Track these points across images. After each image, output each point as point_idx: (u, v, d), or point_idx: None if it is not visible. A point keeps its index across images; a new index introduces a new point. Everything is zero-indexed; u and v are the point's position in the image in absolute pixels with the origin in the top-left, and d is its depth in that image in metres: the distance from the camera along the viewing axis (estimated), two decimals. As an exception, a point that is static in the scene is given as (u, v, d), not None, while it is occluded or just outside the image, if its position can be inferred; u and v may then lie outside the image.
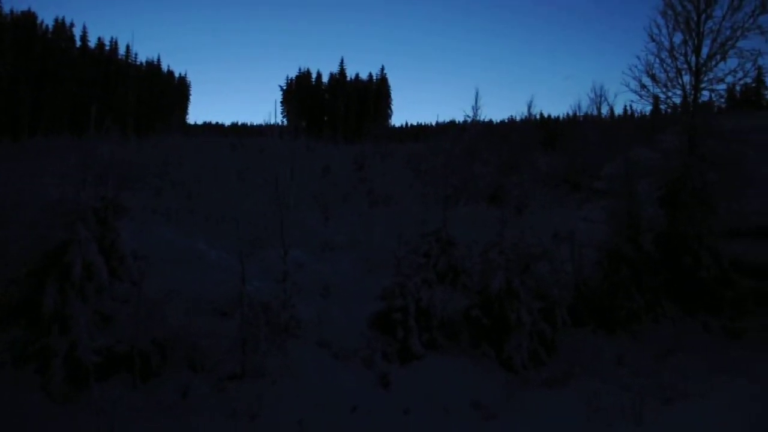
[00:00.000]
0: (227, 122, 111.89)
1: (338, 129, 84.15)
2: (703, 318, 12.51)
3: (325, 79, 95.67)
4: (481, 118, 32.64)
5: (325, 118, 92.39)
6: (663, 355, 10.75)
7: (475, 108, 30.31)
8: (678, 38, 14.08)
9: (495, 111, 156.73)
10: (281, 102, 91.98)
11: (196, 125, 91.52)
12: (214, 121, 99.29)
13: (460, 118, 32.76)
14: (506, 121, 50.23)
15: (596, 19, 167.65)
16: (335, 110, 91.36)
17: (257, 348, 8.39)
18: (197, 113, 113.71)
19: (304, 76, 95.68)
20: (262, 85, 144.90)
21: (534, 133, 33.63)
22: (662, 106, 15.28)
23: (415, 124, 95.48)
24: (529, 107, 37.06)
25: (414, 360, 9.41)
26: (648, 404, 8.20)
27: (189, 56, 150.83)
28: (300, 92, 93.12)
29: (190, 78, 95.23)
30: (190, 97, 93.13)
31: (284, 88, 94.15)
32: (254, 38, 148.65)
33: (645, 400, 8.29)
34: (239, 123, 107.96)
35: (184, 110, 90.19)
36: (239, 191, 12.57)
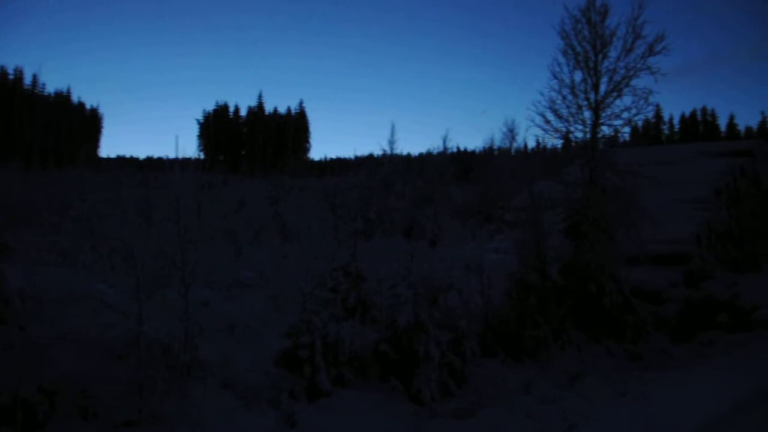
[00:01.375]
0: (142, 155, 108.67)
1: (256, 163, 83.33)
2: (606, 343, 12.90)
3: (243, 112, 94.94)
4: (398, 152, 33.12)
5: (243, 152, 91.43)
6: (569, 381, 10.99)
7: (392, 142, 30.77)
8: (578, 76, 14.73)
9: (412, 145, 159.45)
10: (198, 135, 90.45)
11: (109, 159, 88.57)
12: (128, 155, 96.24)
13: (378, 151, 33.18)
14: (423, 154, 51.02)
15: (510, 55, 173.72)
16: (253, 144, 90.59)
17: (155, 392, 8.01)
18: (111, 146, 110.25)
19: (221, 110, 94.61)
20: (179, 118, 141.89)
21: (449, 166, 34.30)
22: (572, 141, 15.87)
23: (333, 157, 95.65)
24: (445, 141, 37.86)
25: (322, 397, 9.23)
26: (551, 431, 8.31)
27: (103, 89, 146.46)
28: (217, 126, 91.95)
29: (102, 110, 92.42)
30: (102, 130, 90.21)
31: (201, 121, 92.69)
32: (172, 72, 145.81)
33: (547, 428, 8.42)
34: (155, 157, 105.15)
35: (95, 143, 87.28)
36: (145, 227, 12.13)
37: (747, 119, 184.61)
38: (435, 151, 40.41)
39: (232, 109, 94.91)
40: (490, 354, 11.61)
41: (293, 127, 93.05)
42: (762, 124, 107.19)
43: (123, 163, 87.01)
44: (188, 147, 67.42)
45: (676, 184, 20.68)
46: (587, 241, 13.60)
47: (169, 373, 8.44)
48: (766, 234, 24.00)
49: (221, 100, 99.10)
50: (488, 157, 41.93)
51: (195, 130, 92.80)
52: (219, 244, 17.21)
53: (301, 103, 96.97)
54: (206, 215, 20.03)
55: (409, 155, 55.62)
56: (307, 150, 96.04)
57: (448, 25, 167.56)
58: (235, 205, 27.19)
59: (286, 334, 9.81)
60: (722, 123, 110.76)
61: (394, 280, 10.91)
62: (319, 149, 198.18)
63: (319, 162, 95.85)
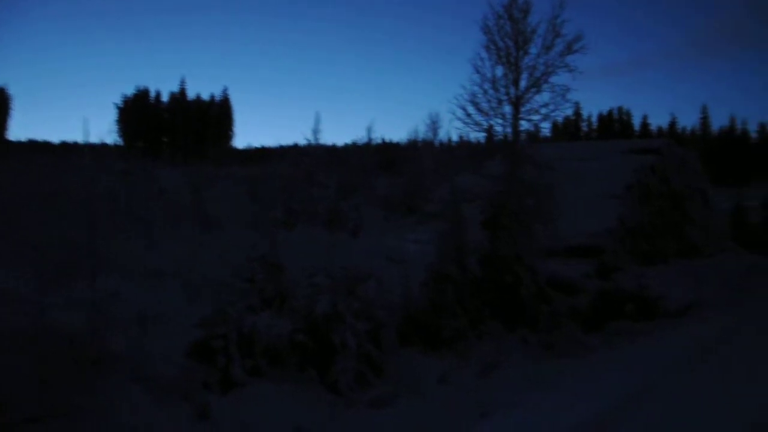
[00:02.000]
0: (56, 140, 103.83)
1: (178, 150, 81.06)
2: (522, 332, 13.25)
3: (165, 98, 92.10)
4: (322, 142, 32.92)
5: (165, 139, 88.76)
6: (484, 371, 11.21)
7: (316, 132, 30.55)
8: (499, 71, 15.02)
9: (337, 135, 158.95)
10: (117, 121, 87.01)
11: (19, 143, 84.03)
12: (40, 139, 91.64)
13: (302, 141, 32.92)
14: (347, 145, 50.97)
15: (435, 48, 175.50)
16: (175, 130, 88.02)
17: (59, 386, 7.65)
18: (21, 130, 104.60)
19: (141, 94, 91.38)
20: (97, 103, 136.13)
21: (373, 157, 34.42)
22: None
23: (258, 147, 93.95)
24: (369, 132, 37.97)
25: (236, 388, 9.06)
26: (465, 420, 8.44)
27: (12, 70, 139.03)
28: (137, 111, 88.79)
29: (11, 91, 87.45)
30: (11, 112, 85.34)
31: (120, 106, 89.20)
32: (90, 55, 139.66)
33: (463, 416, 8.55)
34: (71, 141, 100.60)
35: (2, 125, 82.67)
36: (55, 215, 11.56)
37: (659, 119, 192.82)
38: (359, 142, 40.54)
39: (153, 94, 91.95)
40: (408, 344, 11.70)
41: (217, 115, 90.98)
42: (671, 124, 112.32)
43: (34, 147, 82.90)
44: (106, 132, 64.45)
45: (592, 179, 21.42)
46: (506, 233, 13.90)
47: (75, 367, 8.08)
48: (673, 229, 25.19)
49: (142, 85, 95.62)
50: (412, 149, 42.29)
51: (114, 115, 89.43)
52: (134, 232, 16.62)
53: (225, 90, 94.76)
54: (122, 202, 19.34)
55: (333, 146, 55.43)
56: (230, 138, 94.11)
57: (375, 16, 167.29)
58: (154, 193, 26.34)
59: (199, 324, 9.57)
60: (636, 122, 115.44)
61: (314, 270, 10.84)
62: (244, 138, 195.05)
63: (243, 151, 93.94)
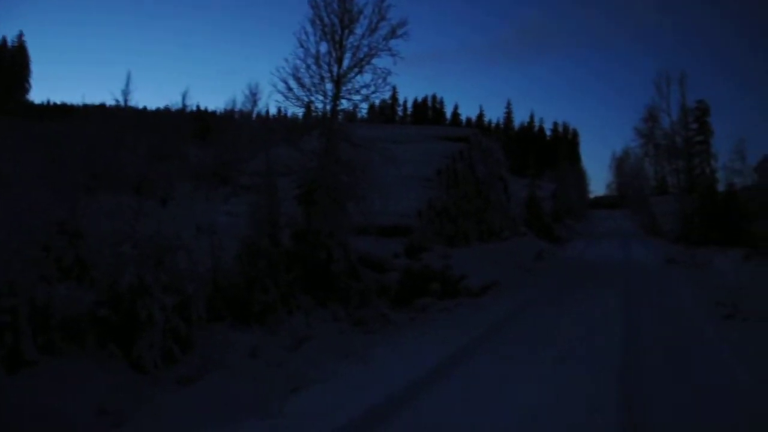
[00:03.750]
0: None
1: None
2: (333, 308, 13.46)
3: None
4: (133, 104, 30.91)
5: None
6: (295, 345, 11.26)
7: (126, 93, 28.57)
8: (324, 47, 14.95)
9: (150, 98, 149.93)
10: None
11: None
12: None
13: (110, 101, 30.22)
14: (160, 109, 48.31)
15: (258, 17, 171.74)
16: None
17: None
18: None
19: None
20: None
21: (187, 124, 32.99)
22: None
23: (59, 102, 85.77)
24: (184, 98, 36.18)
25: (26, 367, 8.24)
26: (275, 394, 8.41)
27: None
28: None
29: None
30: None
31: None
32: None
33: (273, 390, 8.52)
34: None
35: None
36: None
37: (469, 110, 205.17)
38: (173, 108, 38.60)
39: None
40: (218, 318, 11.39)
41: (10, 62, 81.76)
42: (480, 116, 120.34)
43: None
44: None
45: (406, 162, 22.18)
46: (319, 209, 13.99)
47: None
48: (476, 214, 26.95)
49: None
50: (229, 118, 41.10)
51: None
52: None
53: (20, 35, 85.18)
54: None
55: (145, 109, 52.25)
56: (26, 90, 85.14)
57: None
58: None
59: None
60: (448, 111, 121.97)
61: (119, 239, 10.14)
62: (42, 92, 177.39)
63: (42, 106, 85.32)
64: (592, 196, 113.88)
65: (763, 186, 45.46)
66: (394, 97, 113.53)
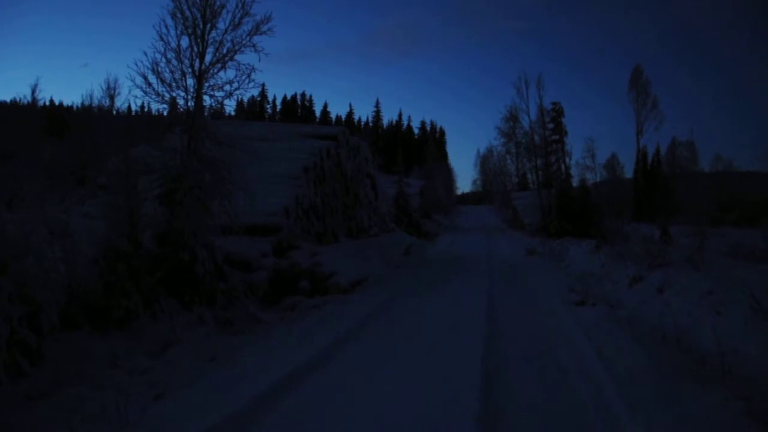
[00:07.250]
0: None
1: None
2: (199, 310, 13.10)
3: None
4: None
5: None
6: (159, 351, 10.88)
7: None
8: (185, 42, 14.49)
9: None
10: None
11: None
12: None
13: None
14: (6, 103, 44.78)
15: (115, 7, 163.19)
16: None
17: None
18: None
19: None
20: None
21: (39, 119, 30.83)
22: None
23: None
24: (34, 91, 33.64)
25: None
26: (137, 403, 8.09)
27: None
28: None
29: None
30: None
31: None
32: None
33: (134, 399, 8.18)
34: None
35: None
36: None
37: (338, 108, 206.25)
38: (21, 101, 35.94)
39: None
40: (74, 327, 10.77)
41: None
42: (349, 114, 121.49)
43: None
44: None
45: (273, 160, 22.04)
46: (182, 209, 13.58)
47: None
48: (345, 210, 27.21)
49: None
50: (86, 114, 38.74)
51: None
52: None
53: None
54: None
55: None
56: None
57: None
58: None
59: None
60: (318, 109, 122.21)
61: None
62: None
63: None
64: (459, 192, 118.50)
65: (610, 181, 49.74)
66: (263, 95, 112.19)
